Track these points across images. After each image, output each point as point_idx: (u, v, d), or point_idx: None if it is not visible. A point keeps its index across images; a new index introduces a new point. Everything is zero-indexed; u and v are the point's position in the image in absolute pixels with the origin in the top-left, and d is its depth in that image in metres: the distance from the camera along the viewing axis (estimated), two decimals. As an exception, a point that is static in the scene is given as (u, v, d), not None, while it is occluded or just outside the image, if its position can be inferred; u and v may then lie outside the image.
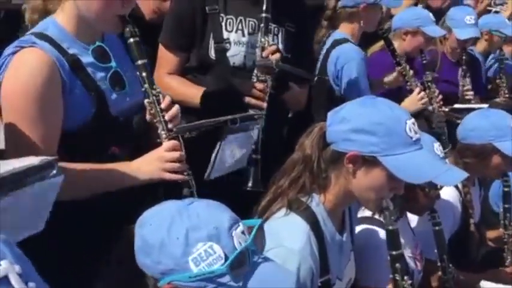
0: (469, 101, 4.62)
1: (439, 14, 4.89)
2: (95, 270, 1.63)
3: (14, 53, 1.96)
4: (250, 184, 2.54)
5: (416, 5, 5.12)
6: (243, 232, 1.46)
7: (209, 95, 2.66)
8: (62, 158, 1.78)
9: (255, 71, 2.65)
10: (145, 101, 2.09)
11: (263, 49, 2.66)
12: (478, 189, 3.39)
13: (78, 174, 1.94)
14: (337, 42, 3.67)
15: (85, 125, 2.01)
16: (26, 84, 1.92)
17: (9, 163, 1.60)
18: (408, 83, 3.93)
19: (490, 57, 5.25)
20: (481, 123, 3.03)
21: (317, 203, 2.05)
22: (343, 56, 3.60)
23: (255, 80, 2.64)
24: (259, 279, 1.43)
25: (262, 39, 2.67)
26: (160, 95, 2.10)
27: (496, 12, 6.11)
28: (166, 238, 1.43)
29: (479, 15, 5.31)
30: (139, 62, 2.08)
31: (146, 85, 2.07)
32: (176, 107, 2.12)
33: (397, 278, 2.05)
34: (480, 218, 3.34)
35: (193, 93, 2.69)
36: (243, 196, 2.37)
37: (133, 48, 2.07)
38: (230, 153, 2.42)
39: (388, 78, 3.99)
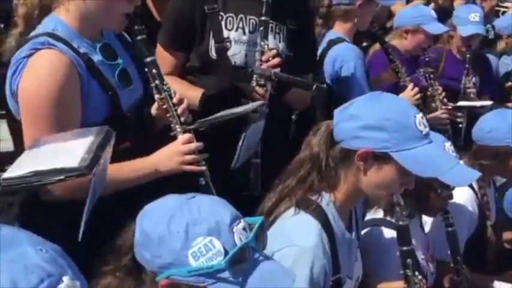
0: (469, 98, 4.56)
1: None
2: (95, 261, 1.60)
3: (29, 55, 1.96)
4: (249, 189, 2.56)
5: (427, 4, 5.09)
6: (244, 229, 1.44)
7: (209, 97, 2.62)
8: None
9: (255, 76, 2.62)
10: (157, 96, 2.15)
11: (262, 53, 2.63)
12: (494, 191, 3.32)
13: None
14: (333, 43, 3.63)
15: (100, 123, 2.00)
16: (47, 85, 1.93)
17: None
18: (401, 80, 3.89)
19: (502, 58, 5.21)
20: (499, 124, 2.96)
21: (327, 202, 2.02)
22: (341, 57, 3.56)
23: (254, 84, 2.60)
24: (260, 276, 1.40)
25: (262, 43, 2.63)
26: (172, 90, 2.16)
27: (504, 12, 6.10)
28: (166, 232, 1.40)
29: (487, 14, 5.28)
30: (149, 59, 2.14)
31: (157, 81, 2.14)
32: (186, 102, 2.19)
33: (409, 273, 2.04)
34: (496, 219, 3.27)
35: (192, 95, 2.61)
36: (244, 199, 2.33)
37: (141, 45, 2.13)
38: (250, 141, 2.52)
39: (384, 75, 3.97)
